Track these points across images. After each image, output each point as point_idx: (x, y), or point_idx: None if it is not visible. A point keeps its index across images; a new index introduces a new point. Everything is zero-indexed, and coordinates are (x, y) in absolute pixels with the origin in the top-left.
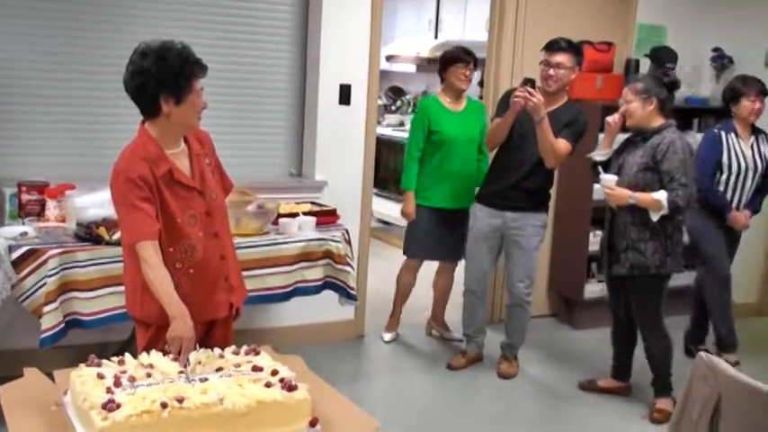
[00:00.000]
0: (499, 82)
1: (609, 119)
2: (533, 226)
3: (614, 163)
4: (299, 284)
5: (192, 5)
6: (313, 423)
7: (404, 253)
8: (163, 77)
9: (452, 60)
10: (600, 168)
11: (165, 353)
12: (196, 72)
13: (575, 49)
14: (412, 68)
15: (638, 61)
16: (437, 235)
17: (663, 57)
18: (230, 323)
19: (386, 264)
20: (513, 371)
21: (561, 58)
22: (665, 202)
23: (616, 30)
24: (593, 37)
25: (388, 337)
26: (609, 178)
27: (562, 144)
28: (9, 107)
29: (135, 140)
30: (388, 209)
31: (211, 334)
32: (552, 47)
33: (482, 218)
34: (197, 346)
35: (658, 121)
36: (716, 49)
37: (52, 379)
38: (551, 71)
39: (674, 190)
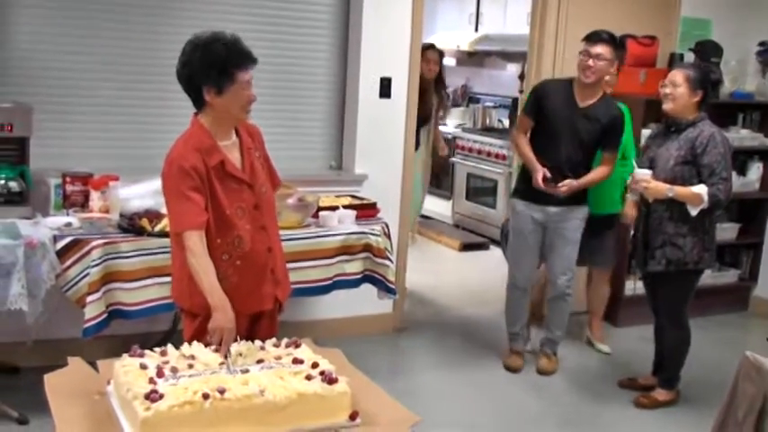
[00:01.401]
0: (541, 76)
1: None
2: (576, 219)
3: (644, 157)
4: (339, 278)
5: None
6: (353, 416)
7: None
8: (205, 67)
9: None
10: (634, 163)
11: (208, 344)
12: (241, 63)
13: (615, 42)
14: (452, 62)
15: (682, 55)
16: (588, 241)
17: (708, 51)
18: (275, 316)
19: (425, 258)
20: (553, 367)
21: (601, 49)
22: (705, 197)
23: (660, 23)
24: (636, 31)
25: (603, 348)
26: (643, 172)
27: (606, 169)
28: (54, 99)
29: (188, 131)
30: (428, 203)
31: (257, 326)
32: (593, 38)
33: (524, 213)
34: (239, 338)
35: (693, 114)
36: (762, 44)
37: (95, 368)
38: (590, 62)
39: (714, 184)
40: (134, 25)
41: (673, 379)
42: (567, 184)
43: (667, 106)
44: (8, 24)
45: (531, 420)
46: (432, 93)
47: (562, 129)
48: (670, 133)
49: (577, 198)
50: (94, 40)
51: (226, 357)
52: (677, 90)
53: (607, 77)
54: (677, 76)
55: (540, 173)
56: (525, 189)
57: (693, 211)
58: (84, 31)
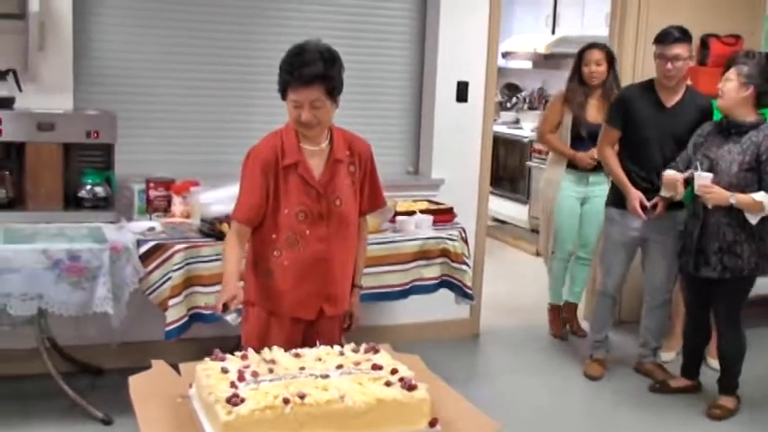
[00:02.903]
0: (621, 78)
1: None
2: (673, 228)
3: (699, 155)
4: (417, 283)
5: (310, 5)
6: (433, 423)
7: None
8: (279, 70)
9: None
10: (697, 165)
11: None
12: (289, 80)
13: (688, 37)
14: (528, 65)
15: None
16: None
17: None
18: (333, 330)
19: (500, 263)
20: (672, 376)
21: (678, 49)
22: (766, 204)
23: (743, 22)
24: (719, 30)
25: (666, 356)
26: (705, 176)
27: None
28: (138, 106)
29: (279, 128)
30: (503, 207)
31: (310, 336)
32: (667, 39)
33: (620, 222)
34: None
35: (752, 115)
36: None
37: (178, 371)
38: (669, 65)
39: None
40: (216, 33)
41: (733, 385)
42: (657, 203)
43: (719, 102)
44: (94, 33)
45: (615, 428)
46: (598, 103)
47: (654, 133)
48: (730, 135)
49: (672, 203)
50: (177, 48)
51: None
52: (727, 85)
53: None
54: (731, 70)
55: (636, 200)
56: (620, 198)
57: (753, 220)
58: (168, 39)
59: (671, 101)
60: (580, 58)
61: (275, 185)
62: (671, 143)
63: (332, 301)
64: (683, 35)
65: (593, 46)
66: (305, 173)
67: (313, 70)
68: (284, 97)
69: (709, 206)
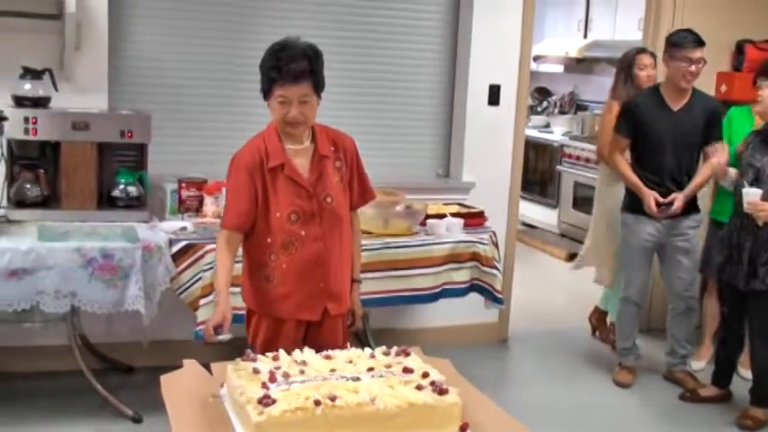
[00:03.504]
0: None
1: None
2: (693, 228)
3: (745, 165)
4: (447, 286)
5: (344, 6)
6: (463, 428)
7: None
8: (260, 70)
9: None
10: (743, 182)
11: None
12: (276, 77)
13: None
14: (559, 69)
15: None
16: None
17: None
18: (337, 329)
19: (530, 267)
20: (701, 385)
21: (700, 53)
22: None
23: None
24: (754, 35)
25: (696, 365)
26: (753, 192)
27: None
28: (171, 106)
29: (261, 131)
30: (533, 211)
31: (312, 335)
32: (690, 43)
33: (637, 227)
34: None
35: None
36: None
37: (209, 371)
38: (693, 68)
39: None
40: (250, 34)
41: (765, 396)
42: (677, 198)
43: (756, 109)
44: (129, 34)
45: None
46: None
47: (664, 138)
48: None
49: (688, 206)
50: (211, 49)
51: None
52: (763, 92)
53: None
54: (762, 78)
55: (651, 198)
56: (635, 203)
57: None
58: (202, 40)
59: (678, 104)
60: (630, 62)
61: (263, 189)
62: (681, 146)
63: (335, 299)
64: (701, 39)
65: (643, 51)
66: (292, 173)
67: (301, 66)
68: (267, 97)
69: (760, 224)
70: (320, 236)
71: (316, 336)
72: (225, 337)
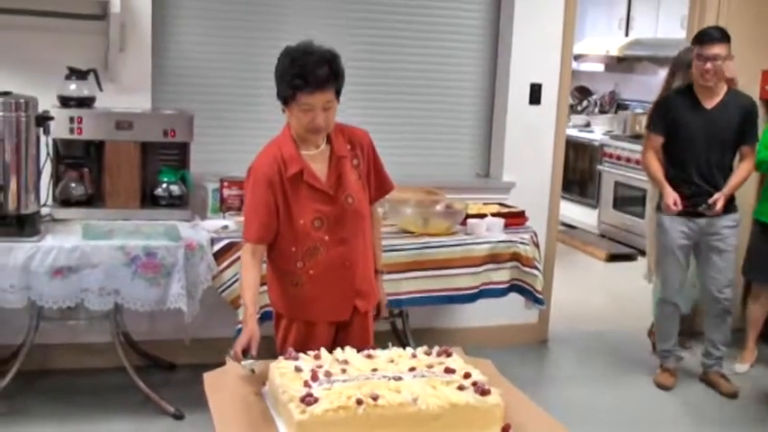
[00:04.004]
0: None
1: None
2: (729, 228)
3: None
4: (486, 286)
5: (385, 5)
6: (505, 429)
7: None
8: (277, 77)
9: None
10: None
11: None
12: (301, 84)
13: (727, 37)
14: (600, 68)
15: None
16: (755, 251)
17: None
18: (365, 326)
19: (569, 268)
20: (736, 388)
21: (717, 49)
22: None
23: None
24: None
25: (740, 368)
26: None
27: (749, 164)
28: (214, 106)
29: (275, 138)
30: (573, 212)
31: (342, 335)
32: (705, 39)
33: (673, 227)
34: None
35: None
36: None
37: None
38: (708, 65)
39: None
40: (290, 34)
41: None
42: (717, 199)
43: None
44: (172, 35)
45: None
46: None
47: (695, 135)
48: None
49: (726, 205)
50: (253, 49)
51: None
52: None
53: (727, 74)
54: None
55: (671, 198)
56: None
57: None
58: (244, 40)
59: (711, 102)
60: (689, 63)
61: (284, 198)
62: (714, 144)
63: (363, 297)
64: (723, 35)
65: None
66: (311, 179)
67: (325, 72)
68: (287, 103)
69: None
70: (344, 238)
71: (344, 335)
72: (250, 363)
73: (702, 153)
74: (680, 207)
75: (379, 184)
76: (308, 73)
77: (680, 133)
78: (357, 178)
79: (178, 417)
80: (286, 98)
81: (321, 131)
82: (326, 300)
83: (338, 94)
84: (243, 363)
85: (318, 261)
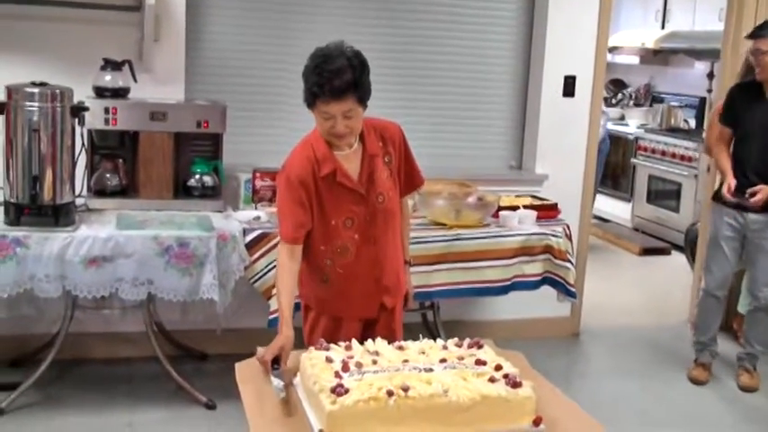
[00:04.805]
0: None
1: None
2: None
3: None
4: (518, 279)
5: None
6: (537, 422)
7: None
8: (303, 79)
9: None
10: None
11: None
12: (318, 93)
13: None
14: (635, 60)
15: None
16: None
17: None
18: (392, 320)
19: (601, 262)
20: (756, 383)
21: (760, 44)
22: None
23: None
24: None
25: None
26: None
27: None
28: (247, 97)
29: (307, 137)
30: (606, 205)
31: (371, 331)
32: (753, 35)
33: (721, 219)
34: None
35: None
36: None
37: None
38: (752, 59)
39: None
40: (323, 25)
41: None
42: (758, 191)
43: None
44: (206, 26)
45: None
46: None
47: (754, 129)
48: None
49: None
50: (286, 41)
51: (274, 367)
52: None
53: None
54: None
55: (726, 185)
56: (719, 192)
57: None
58: (277, 31)
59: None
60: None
61: (318, 199)
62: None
63: (390, 293)
64: (756, 31)
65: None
66: (344, 179)
67: (344, 80)
68: (310, 108)
69: None
70: (374, 237)
71: (371, 332)
72: (280, 386)
73: (759, 147)
74: (730, 195)
75: (409, 179)
76: (325, 82)
77: (741, 126)
78: (388, 176)
79: (210, 406)
80: (309, 103)
81: (342, 139)
82: (354, 297)
83: (362, 100)
84: (272, 377)
85: (347, 259)
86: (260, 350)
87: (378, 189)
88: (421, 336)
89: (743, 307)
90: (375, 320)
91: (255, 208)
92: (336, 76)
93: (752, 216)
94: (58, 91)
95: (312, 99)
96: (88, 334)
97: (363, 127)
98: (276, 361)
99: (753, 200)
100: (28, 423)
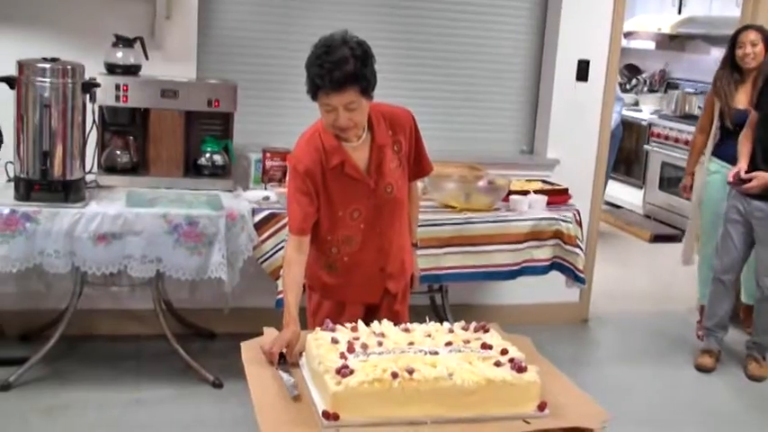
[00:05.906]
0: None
1: None
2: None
3: None
4: (527, 263)
5: None
6: (541, 407)
7: None
8: (306, 70)
9: None
10: None
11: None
12: (320, 84)
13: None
14: (651, 45)
15: None
16: None
17: None
18: (395, 304)
19: (612, 248)
20: (764, 372)
21: (752, 35)
22: None
23: None
24: None
25: None
26: None
27: None
28: (258, 77)
29: (315, 126)
30: (618, 191)
31: (375, 316)
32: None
33: (730, 202)
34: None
35: None
36: None
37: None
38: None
39: None
40: (337, 5)
41: None
42: (753, 176)
43: None
44: (218, 4)
45: (725, 422)
46: (752, 90)
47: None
48: None
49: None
50: (298, 20)
51: (280, 362)
52: None
53: None
54: None
55: (735, 169)
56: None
57: None
58: (289, 11)
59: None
60: (734, 42)
61: (325, 190)
62: None
63: (394, 278)
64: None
65: (748, 27)
66: (352, 171)
67: (345, 71)
68: (314, 99)
69: None
70: (381, 227)
71: (374, 315)
72: (291, 381)
73: (766, 134)
74: (731, 179)
75: (417, 166)
76: (325, 73)
77: (760, 112)
78: (397, 165)
79: (217, 385)
80: (312, 95)
81: (345, 131)
82: (358, 283)
83: (365, 92)
84: (281, 373)
85: (353, 248)
86: (265, 339)
87: (386, 180)
88: (428, 318)
89: (746, 297)
90: (378, 305)
91: (265, 188)
92: (337, 67)
93: (756, 203)
94: (69, 67)
95: (314, 90)
96: (97, 310)
97: (372, 115)
98: (282, 355)
99: (744, 186)
100: (35, 398)
